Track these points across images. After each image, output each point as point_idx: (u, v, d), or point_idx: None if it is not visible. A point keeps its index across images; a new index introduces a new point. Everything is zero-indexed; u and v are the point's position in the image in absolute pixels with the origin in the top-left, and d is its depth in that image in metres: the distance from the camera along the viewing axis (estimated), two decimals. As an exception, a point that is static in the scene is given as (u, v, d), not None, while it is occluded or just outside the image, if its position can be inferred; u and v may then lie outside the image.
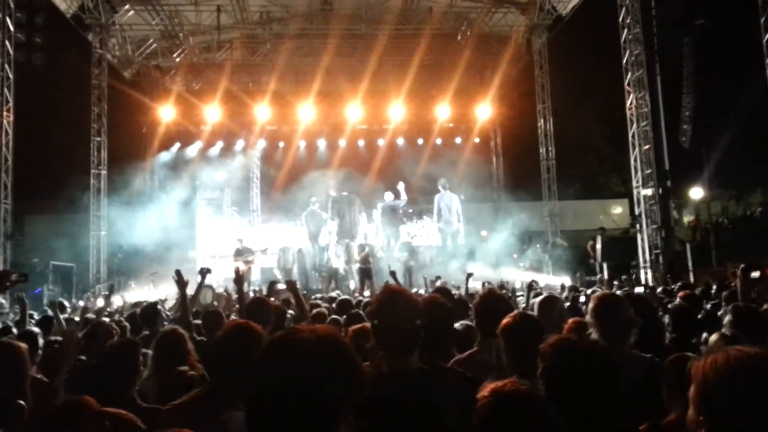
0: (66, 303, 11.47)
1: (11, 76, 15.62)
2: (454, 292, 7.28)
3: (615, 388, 2.09)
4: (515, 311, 3.43)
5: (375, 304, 2.74)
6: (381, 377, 2.49)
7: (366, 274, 15.49)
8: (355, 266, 16.36)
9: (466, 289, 7.86)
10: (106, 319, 6.36)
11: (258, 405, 1.43)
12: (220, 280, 15.74)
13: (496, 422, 1.75)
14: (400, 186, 17.95)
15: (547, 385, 2.15)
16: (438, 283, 8.34)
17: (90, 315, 7.18)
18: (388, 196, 18.19)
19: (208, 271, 5.65)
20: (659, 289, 8.53)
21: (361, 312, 6.01)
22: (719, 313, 5.42)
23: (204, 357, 3.64)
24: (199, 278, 5.73)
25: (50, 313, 7.91)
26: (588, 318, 3.31)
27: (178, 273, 5.34)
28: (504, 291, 8.63)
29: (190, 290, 5.43)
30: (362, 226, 18.14)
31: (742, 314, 4.35)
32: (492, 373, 3.31)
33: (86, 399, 2.51)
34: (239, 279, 5.51)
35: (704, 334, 4.14)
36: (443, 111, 19.60)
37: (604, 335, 3.13)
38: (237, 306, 6.23)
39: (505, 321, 3.06)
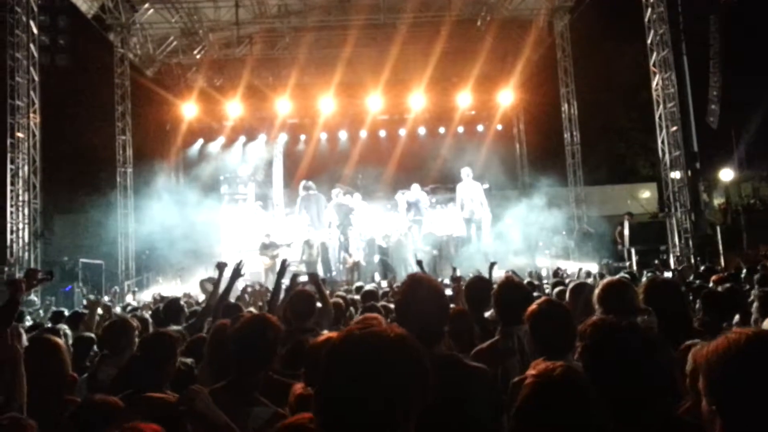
0: (104, 298, 11.69)
1: (36, 78, 15.90)
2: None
3: (656, 365, 2.06)
4: (542, 298, 3.39)
5: (400, 293, 2.72)
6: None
7: (385, 265, 15.53)
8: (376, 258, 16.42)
9: (490, 278, 7.78)
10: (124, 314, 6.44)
11: (333, 404, 1.43)
12: (246, 274, 15.82)
13: (544, 404, 1.75)
14: (415, 188, 17.92)
15: (589, 364, 2.15)
16: (458, 273, 8.24)
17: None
18: (415, 188, 18.18)
19: (225, 265, 5.66)
20: (691, 277, 8.35)
21: (375, 303, 6.01)
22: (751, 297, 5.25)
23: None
24: (217, 273, 5.75)
25: (81, 310, 8.09)
26: (595, 305, 3.26)
27: (220, 265, 5.40)
28: (529, 280, 8.52)
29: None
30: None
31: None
32: (513, 358, 3.29)
33: (111, 399, 2.51)
34: (282, 271, 5.50)
35: (736, 317, 4.02)
36: (465, 99, 19.42)
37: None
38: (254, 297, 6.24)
39: (531, 308, 3.06)
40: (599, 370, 2.08)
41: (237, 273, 5.34)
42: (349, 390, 1.40)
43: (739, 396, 1.44)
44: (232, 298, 8.06)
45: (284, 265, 5.66)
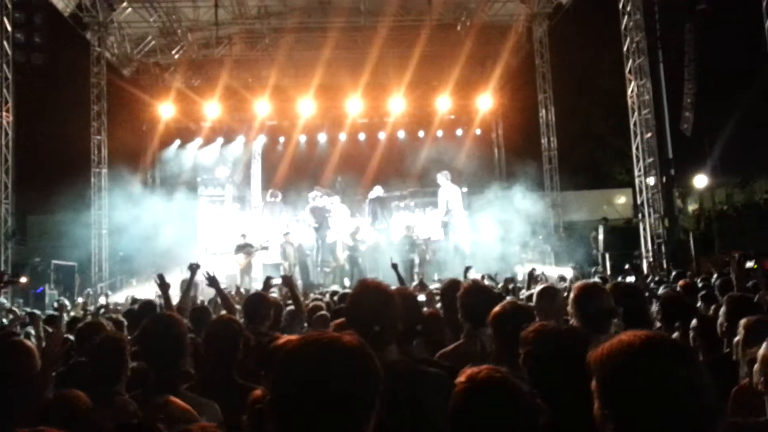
0: (67, 303, 11.52)
1: (10, 76, 15.64)
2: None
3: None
4: (505, 300, 3.40)
5: (347, 298, 2.74)
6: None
7: (354, 265, 15.73)
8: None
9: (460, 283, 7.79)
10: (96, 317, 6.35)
11: (285, 406, 1.42)
12: (222, 277, 15.71)
13: (471, 408, 1.75)
14: (377, 190, 18.09)
15: (530, 370, 2.18)
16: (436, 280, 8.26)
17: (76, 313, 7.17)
18: (378, 189, 18.28)
19: (198, 266, 5.62)
20: (655, 278, 8.46)
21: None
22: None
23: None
24: (189, 274, 5.70)
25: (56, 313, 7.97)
26: (569, 308, 3.28)
27: (160, 276, 5.36)
28: (498, 284, 8.54)
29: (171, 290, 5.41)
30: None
31: (737, 304, 4.29)
32: (476, 362, 3.29)
33: (78, 393, 2.52)
34: (213, 281, 5.50)
35: (693, 321, 4.07)
36: (444, 103, 19.48)
37: (583, 325, 3.09)
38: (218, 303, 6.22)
39: (495, 310, 3.06)
40: (541, 375, 2.11)
41: (192, 277, 5.38)
42: (301, 396, 1.38)
43: (629, 400, 1.38)
44: (204, 302, 8.00)
45: (268, 283, 5.69)
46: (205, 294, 10.13)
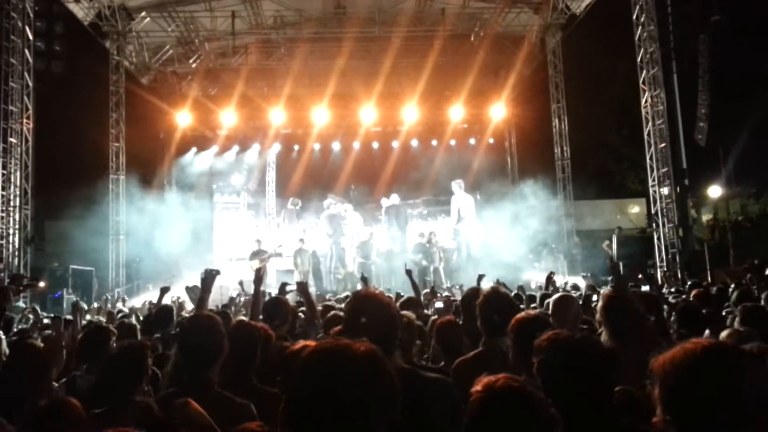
0: (85, 306, 11.68)
1: (31, 83, 15.96)
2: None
3: (609, 380, 2.08)
4: (527, 310, 3.41)
5: (346, 306, 2.75)
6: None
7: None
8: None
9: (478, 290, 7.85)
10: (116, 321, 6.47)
11: (299, 412, 1.45)
12: (236, 283, 15.86)
13: (488, 417, 1.74)
14: (394, 198, 18.36)
15: (543, 379, 2.16)
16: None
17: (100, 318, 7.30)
18: (394, 198, 18.50)
19: (218, 272, 5.71)
20: (672, 289, 8.46)
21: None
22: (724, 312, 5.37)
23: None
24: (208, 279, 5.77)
25: (68, 316, 8.09)
26: (598, 316, 3.30)
27: (206, 272, 5.43)
28: (513, 292, 8.60)
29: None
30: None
31: (750, 314, 4.34)
32: (494, 371, 3.33)
33: (71, 400, 2.52)
34: (259, 279, 5.52)
35: (706, 332, 4.12)
36: (457, 112, 19.58)
37: (613, 334, 3.12)
38: (245, 306, 6.28)
39: (516, 318, 3.06)
40: (554, 384, 2.10)
41: (205, 283, 5.37)
42: (313, 401, 1.41)
43: (693, 406, 1.41)
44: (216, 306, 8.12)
45: (259, 274, 5.68)
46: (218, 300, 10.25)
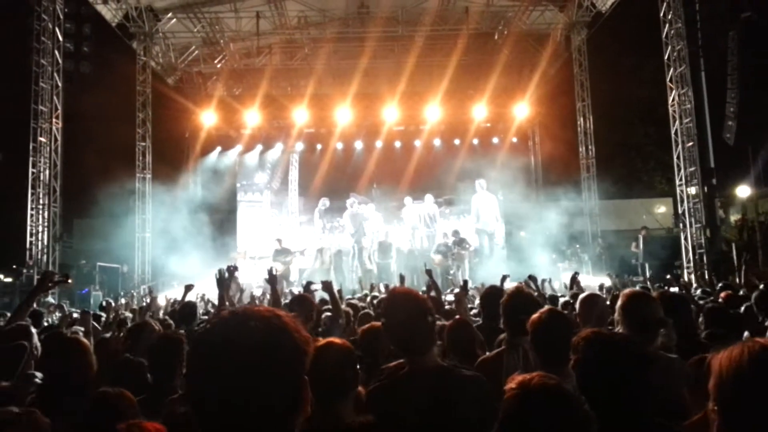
0: (112, 303, 11.86)
1: (60, 84, 16.28)
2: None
3: (646, 380, 2.08)
4: (545, 307, 3.40)
5: (383, 304, 2.77)
6: (403, 377, 2.53)
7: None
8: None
9: (501, 290, 7.80)
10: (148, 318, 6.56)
11: (198, 398, 1.32)
12: (261, 281, 16.00)
13: (524, 415, 1.74)
14: (428, 198, 18.67)
15: (580, 377, 2.17)
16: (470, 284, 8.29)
17: (126, 313, 7.40)
18: (429, 198, 18.62)
19: (235, 269, 5.76)
20: (699, 291, 8.32)
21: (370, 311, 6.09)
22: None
23: None
24: (226, 276, 5.83)
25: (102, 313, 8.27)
26: (616, 316, 3.27)
27: (220, 272, 5.47)
28: (536, 293, 8.54)
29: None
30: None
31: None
32: (517, 369, 3.32)
33: (124, 392, 2.57)
34: (272, 279, 5.58)
35: (746, 333, 4.04)
36: (480, 111, 19.50)
37: (630, 333, 3.09)
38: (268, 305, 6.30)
39: (534, 317, 3.05)
40: (590, 383, 2.10)
41: (222, 279, 5.41)
42: (213, 381, 1.27)
43: (741, 401, 1.47)
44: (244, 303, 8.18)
45: (272, 273, 5.71)
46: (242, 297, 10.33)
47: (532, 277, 7.30)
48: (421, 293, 2.99)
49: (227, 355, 1.27)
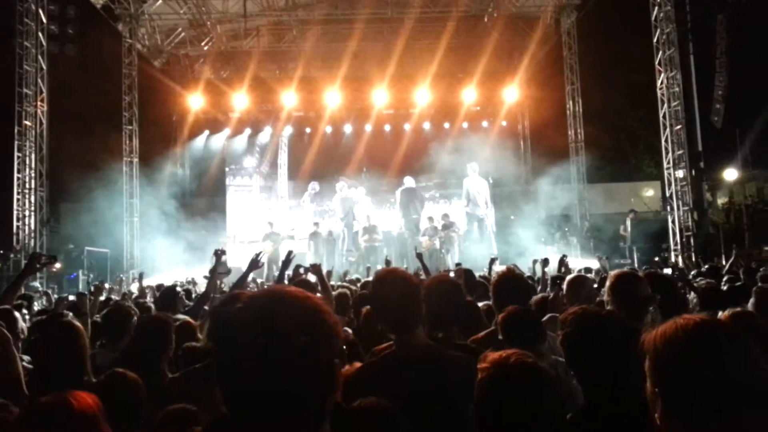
0: (107, 285, 11.83)
1: (45, 66, 16.05)
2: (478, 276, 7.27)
3: (631, 352, 2.10)
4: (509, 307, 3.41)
5: (371, 284, 2.78)
6: (389, 356, 2.54)
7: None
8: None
9: (489, 273, 7.86)
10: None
11: (226, 383, 1.29)
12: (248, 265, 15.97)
13: (499, 395, 1.74)
14: (408, 180, 18.53)
15: (568, 350, 2.23)
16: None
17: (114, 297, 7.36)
18: (409, 180, 18.56)
19: (223, 252, 5.74)
20: (693, 272, 8.42)
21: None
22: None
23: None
24: (214, 260, 5.82)
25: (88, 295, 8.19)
26: (605, 296, 3.31)
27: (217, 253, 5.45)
28: (529, 275, 8.60)
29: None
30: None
31: (765, 295, 4.32)
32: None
33: (129, 373, 2.55)
34: (253, 264, 5.49)
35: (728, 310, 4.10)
36: (470, 94, 19.46)
37: (619, 312, 3.13)
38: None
39: (502, 315, 3.17)
40: (578, 356, 2.17)
41: (255, 264, 5.36)
42: (249, 364, 1.24)
43: (679, 381, 1.41)
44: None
45: (289, 256, 5.72)
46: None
47: (545, 261, 7.34)
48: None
49: (265, 337, 1.24)
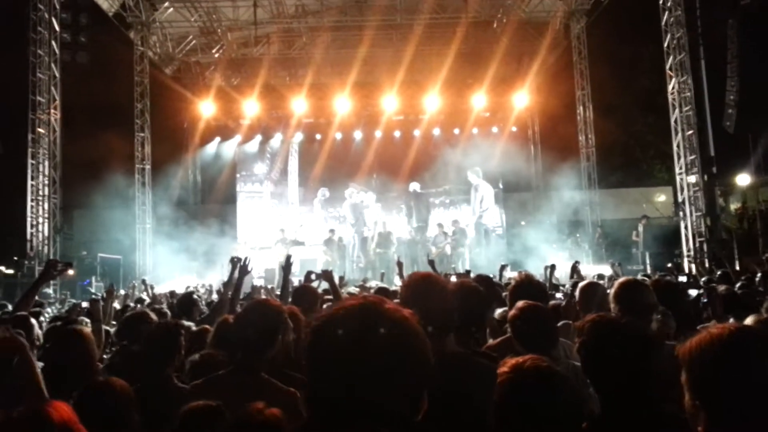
0: (122, 292, 11.91)
1: (57, 74, 16.20)
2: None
3: (649, 362, 2.11)
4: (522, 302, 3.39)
5: (406, 289, 2.72)
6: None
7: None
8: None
9: (500, 280, 7.83)
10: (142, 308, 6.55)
11: (317, 390, 1.30)
12: (261, 271, 16.04)
13: (518, 398, 1.76)
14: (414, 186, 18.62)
15: (585, 358, 2.22)
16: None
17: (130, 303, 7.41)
18: (415, 185, 18.56)
19: (239, 260, 5.76)
20: (704, 279, 8.35)
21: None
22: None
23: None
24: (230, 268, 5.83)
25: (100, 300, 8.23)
26: (610, 303, 3.30)
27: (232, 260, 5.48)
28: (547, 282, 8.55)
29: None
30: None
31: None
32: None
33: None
34: (288, 267, 5.55)
35: (749, 318, 4.06)
36: (479, 100, 19.43)
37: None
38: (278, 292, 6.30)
39: (511, 313, 3.16)
40: (595, 364, 2.15)
41: (243, 270, 5.39)
42: (334, 370, 1.24)
43: (721, 390, 1.41)
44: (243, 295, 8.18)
45: (289, 261, 5.73)
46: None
47: (552, 267, 7.35)
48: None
49: (363, 355, 1.23)
